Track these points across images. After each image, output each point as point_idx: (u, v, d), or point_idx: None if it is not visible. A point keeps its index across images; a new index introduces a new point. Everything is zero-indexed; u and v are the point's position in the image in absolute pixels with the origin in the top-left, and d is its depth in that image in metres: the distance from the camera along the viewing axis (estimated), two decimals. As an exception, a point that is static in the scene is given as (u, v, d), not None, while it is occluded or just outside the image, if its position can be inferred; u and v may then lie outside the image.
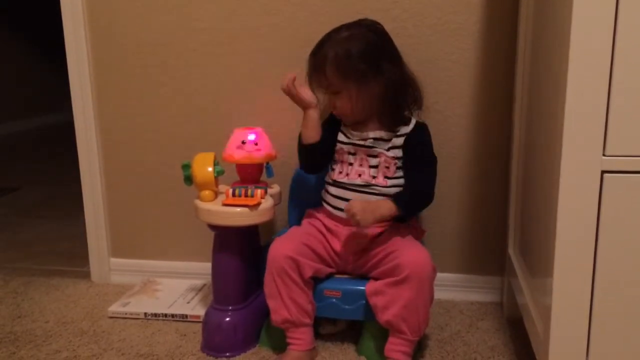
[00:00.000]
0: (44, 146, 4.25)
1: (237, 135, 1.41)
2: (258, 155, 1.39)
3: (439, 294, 1.55)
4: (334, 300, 1.28)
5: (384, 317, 1.20)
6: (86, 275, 1.75)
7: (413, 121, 1.32)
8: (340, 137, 1.35)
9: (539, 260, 1.10)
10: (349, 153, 1.33)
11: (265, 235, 1.48)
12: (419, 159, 1.31)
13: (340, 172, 1.33)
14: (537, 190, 1.16)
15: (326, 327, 1.36)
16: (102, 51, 1.62)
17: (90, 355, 1.31)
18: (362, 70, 1.25)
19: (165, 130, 1.63)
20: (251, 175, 1.41)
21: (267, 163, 1.42)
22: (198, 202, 1.32)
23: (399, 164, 1.31)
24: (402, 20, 1.45)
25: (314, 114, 1.32)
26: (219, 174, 1.32)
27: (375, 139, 1.30)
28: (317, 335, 1.33)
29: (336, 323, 1.36)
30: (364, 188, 1.30)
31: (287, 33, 1.51)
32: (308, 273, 1.23)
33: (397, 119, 1.31)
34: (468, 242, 1.55)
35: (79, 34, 1.60)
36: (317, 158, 1.37)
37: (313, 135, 1.33)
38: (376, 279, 1.24)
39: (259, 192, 1.29)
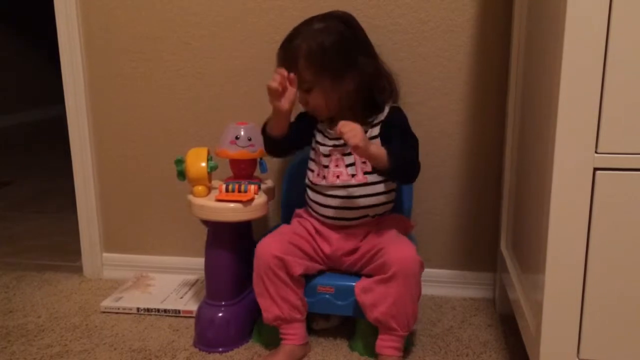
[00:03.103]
0: (37, 140, 4.23)
1: (230, 130, 1.41)
2: (251, 150, 1.38)
3: (432, 290, 1.56)
4: (327, 296, 1.28)
5: (373, 314, 1.21)
6: (78, 270, 1.75)
7: (387, 107, 1.28)
8: (318, 136, 1.31)
9: (531, 257, 1.10)
10: (324, 155, 1.29)
11: (258, 230, 1.48)
12: (398, 138, 1.25)
13: (318, 175, 1.30)
14: (529, 187, 1.16)
15: (319, 323, 1.37)
16: (95, 45, 1.61)
17: (82, 350, 1.31)
18: (337, 64, 1.21)
19: (159, 125, 1.62)
20: (245, 170, 1.41)
21: (261, 158, 1.41)
22: (191, 198, 1.31)
23: None
24: (396, 16, 1.45)
25: (288, 113, 1.24)
26: (212, 169, 1.31)
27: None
28: (310, 330, 1.33)
29: (329, 319, 1.37)
30: (344, 190, 1.27)
31: (282, 28, 1.49)
32: (297, 271, 1.23)
33: (372, 111, 1.27)
34: (460, 238, 1.56)
35: (71, 28, 1.58)
36: (284, 149, 1.33)
37: (282, 127, 1.25)
38: (368, 276, 1.24)
39: (252, 187, 1.29)
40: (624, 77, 0.86)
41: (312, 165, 1.33)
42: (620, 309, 0.93)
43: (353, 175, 1.27)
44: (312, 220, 1.33)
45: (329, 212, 1.29)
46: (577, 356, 0.95)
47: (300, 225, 1.33)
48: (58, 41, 1.60)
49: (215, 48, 1.55)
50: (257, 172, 1.44)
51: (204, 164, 1.30)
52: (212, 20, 1.54)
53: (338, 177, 1.27)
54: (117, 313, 1.48)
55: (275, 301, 1.23)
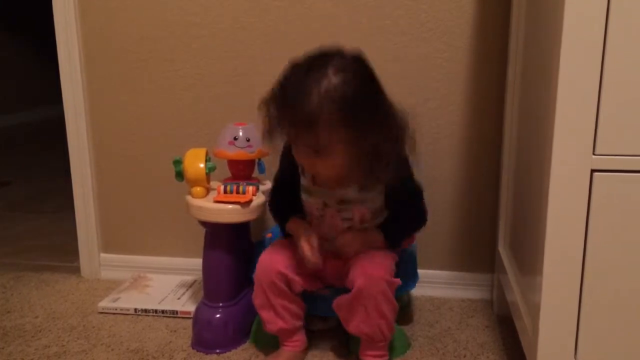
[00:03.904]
0: (35, 140, 4.23)
1: (228, 131, 1.40)
2: (250, 151, 1.38)
3: (430, 291, 1.56)
4: (325, 297, 1.28)
5: (348, 328, 1.20)
6: (76, 270, 1.74)
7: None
8: (303, 190, 1.23)
9: (529, 258, 1.10)
10: (317, 208, 1.22)
11: (256, 232, 1.48)
12: (404, 197, 1.20)
13: (310, 222, 1.25)
14: (527, 188, 1.16)
15: (317, 324, 1.37)
16: (93, 45, 1.61)
17: (79, 351, 1.31)
18: (365, 126, 1.04)
19: (157, 125, 1.62)
20: (243, 171, 1.41)
21: (259, 159, 1.41)
22: (189, 199, 1.31)
23: (377, 210, 1.21)
24: (395, 17, 1.45)
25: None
26: (210, 170, 1.31)
27: (346, 198, 1.19)
28: (308, 331, 1.33)
29: (327, 320, 1.37)
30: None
31: (281, 29, 1.50)
32: (297, 289, 1.22)
33: (388, 173, 1.12)
34: (458, 239, 1.56)
35: (70, 28, 1.58)
36: None
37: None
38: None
39: (250, 188, 1.29)
40: (622, 78, 0.85)
41: (303, 199, 1.25)
42: (617, 310, 0.93)
43: (349, 229, 1.22)
44: None
45: (324, 245, 1.23)
46: (575, 358, 0.95)
47: None
48: (56, 41, 1.60)
49: (215, 48, 1.55)
50: (256, 173, 1.44)
51: (202, 165, 1.30)
52: (212, 20, 1.54)
53: (333, 228, 1.23)
54: (114, 314, 1.48)
55: (279, 313, 1.22)
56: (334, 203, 1.21)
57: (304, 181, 1.23)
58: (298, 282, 1.21)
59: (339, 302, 1.20)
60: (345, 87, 1.02)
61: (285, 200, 1.28)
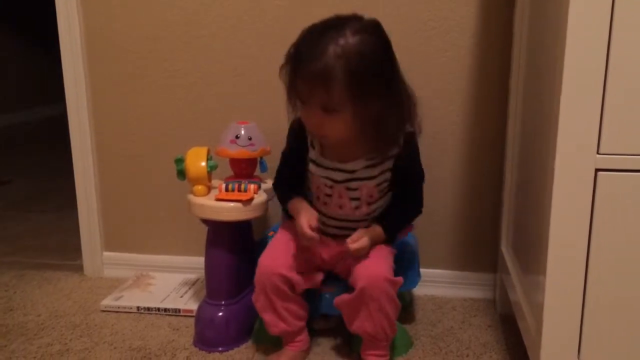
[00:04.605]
0: (37, 139, 4.22)
1: (230, 129, 1.40)
2: (252, 150, 1.38)
3: (432, 290, 1.56)
4: (327, 296, 1.28)
5: (350, 327, 1.20)
6: (79, 268, 1.75)
7: (401, 138, 1.16)
8: (312, 166, 1.21)
9: (532, 258, 1.10)
10: (325, 185, 1.22)
11: (259, 230, 1.48)
12: (409, 177, 1.22)
13: (318, 199, 1.25)
14: (530, 188, 1.16)
15: (319, 323, 1.36)
16: (96, 44, 1.61)
17: (82, 349, 1.31)
18: (377, 84, 1.06)
19: (159, 124, 1.62)
20: (245, 170, 1.41)
21: (261, 158, 1.41)
22: (191, 197, 1.31)
23: (384, 187, 1.22)
24: (397, 15, 1.45)
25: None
26: (212, 168, 1.31)
27: (354, 171, 1.18)
28: (311, 330, 1.33)
29: (329, 319, 1.36)
30: (345, 220, 1.25)
31: (283, 27, 1.50)
32: (299, 289, 1.21)
33: (395, 141, 1.15)
34: (461, 238, 1.56)
35: (73, 27, 1.58)
36: None
37: None
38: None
39: (252, 187, 1.29)
40: (627, 78, 0.85)
41: (309, 184, 1.26)
42: (621, 310, 0.93)
43: (357, 208, 1.23)
44: None
45: (327, 230, 1.26)
46: (578, 357, 0.95)
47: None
48: (59, 41, 1.60)
49: (215, 48, 1.55)
50: (258, 172, 1.44)
51: (203, 163, 1.30)
52: (212, 20, 1.53)
53: (340, 207, 1.24)
54: (117, 312, 1.48)
55: (281, 315, 1.21)
56: (341, 179, 1.20)
57: (312, 154, 1.21)
58: (300, 282, 1.20)
59: (342, 300, 1.20)
60: (362, 47, 1.03)
61: (290, 179, 1.28)
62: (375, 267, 1.16)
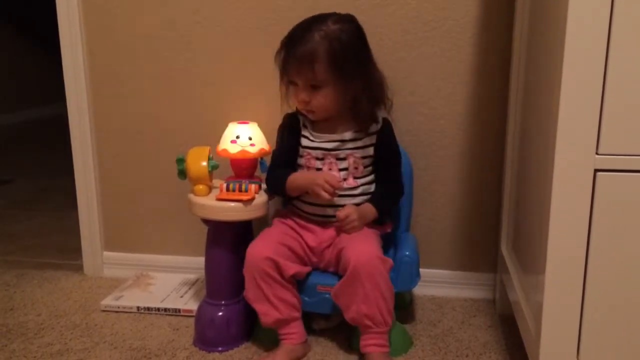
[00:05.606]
0: (38, 139, 4.23)
1: (231, 129, 1.41)
2: (252, 150, 1.39)
3: (432, 290, 1.56)
4: (327, 295, 1.28)
5: (348, 315, 1.22)
6: (79, 268, 1.75)
7: (380, 118, 1.32)
8: (305, 141, 1.32)
9: (532, 258, 1.10)
10: (317, 158, 1.31)
11: (259, 230, 1.48)
12: (389, 156, 1.33)
13: None
14: (530, 188, 1.16)
15: (319, 323, 1.37)
16: (96, 44, 1.61)
17: (82, 349, 1.31)
18: (354, 66, 1.24)
19: (160, 124, 1.62)
20: (245, 170, 1.41)
21: (262, 158, 1.42)
22: (192, 197, 1.31)
23: (367, 162, 1.31)
24: (398, 16, 1.45)
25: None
26: (213, 168, 1.31)
27: (343, 140, 1.30)
28: (310, 330, 1.34)
29: (329, 318, 1.37)
30: (331, 205, 1.30)
31: (283, 27, 1.50)
32: (289, 272, 1.23)
33: (372, 118, 1.30)
34: (461, 239, 1.56)
35: (73, 26, 1.58)
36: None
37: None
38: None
39: (253, 187, 1.29)
40: (625, 78, 0.85)
41: (300, 169, 1.33)
42: (620, 310, 0.93)
43: (344, 179, 1.30)
44: (295, 217, 1.34)
45: (315, 210, 1.31)
46: (577, 357, 0.95)
47: (284, 224, 1.34)
48: (60, 40, 1.60)
49: (215, 48, 1.55)
50: (258, 172, 1.44)
51: (204, 163, 1.30)
52: (212, 20, 1.54)
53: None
54: (117, 312, 1.48)
55: (273, 303, 1.23)
56: (332, 147, 1.29)
57: (305, 132, 1.33)
58: (288, 266, 1.23)
59: (337, 290, 1.22)
60: (341, 34, 1.23)
61: (283, 166, 1.33)
62: (363, 247, 1.21)
